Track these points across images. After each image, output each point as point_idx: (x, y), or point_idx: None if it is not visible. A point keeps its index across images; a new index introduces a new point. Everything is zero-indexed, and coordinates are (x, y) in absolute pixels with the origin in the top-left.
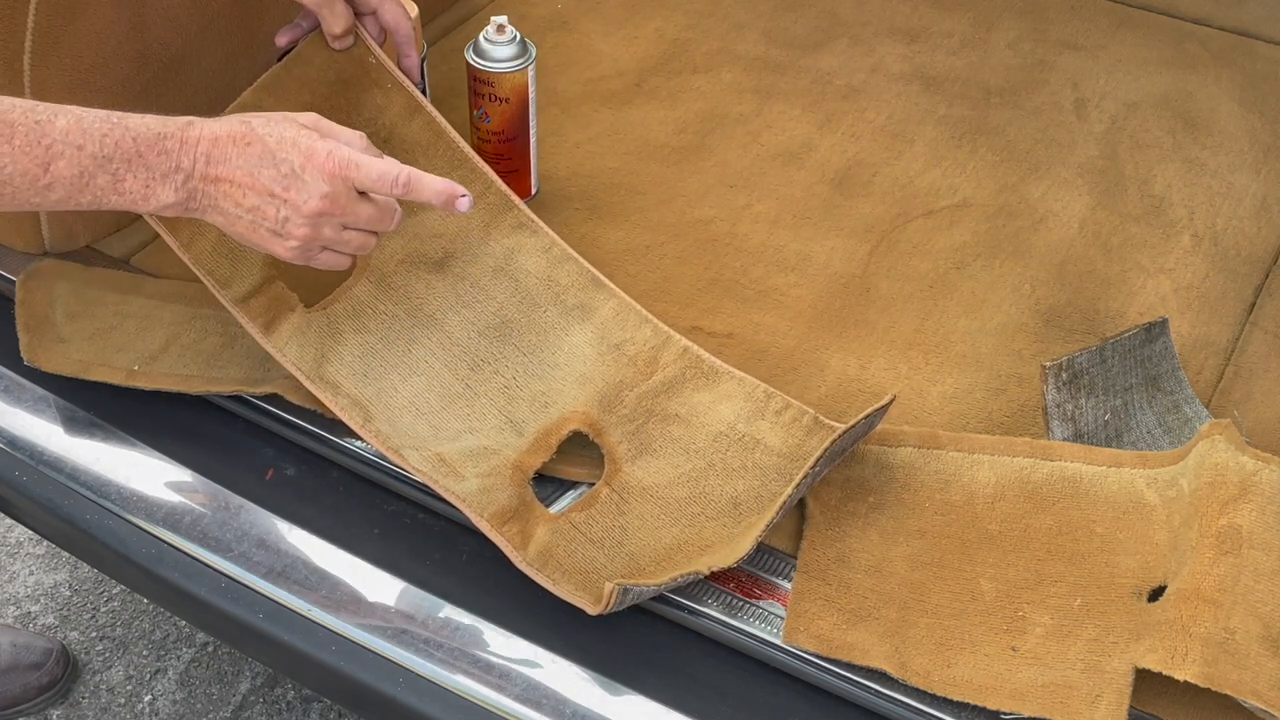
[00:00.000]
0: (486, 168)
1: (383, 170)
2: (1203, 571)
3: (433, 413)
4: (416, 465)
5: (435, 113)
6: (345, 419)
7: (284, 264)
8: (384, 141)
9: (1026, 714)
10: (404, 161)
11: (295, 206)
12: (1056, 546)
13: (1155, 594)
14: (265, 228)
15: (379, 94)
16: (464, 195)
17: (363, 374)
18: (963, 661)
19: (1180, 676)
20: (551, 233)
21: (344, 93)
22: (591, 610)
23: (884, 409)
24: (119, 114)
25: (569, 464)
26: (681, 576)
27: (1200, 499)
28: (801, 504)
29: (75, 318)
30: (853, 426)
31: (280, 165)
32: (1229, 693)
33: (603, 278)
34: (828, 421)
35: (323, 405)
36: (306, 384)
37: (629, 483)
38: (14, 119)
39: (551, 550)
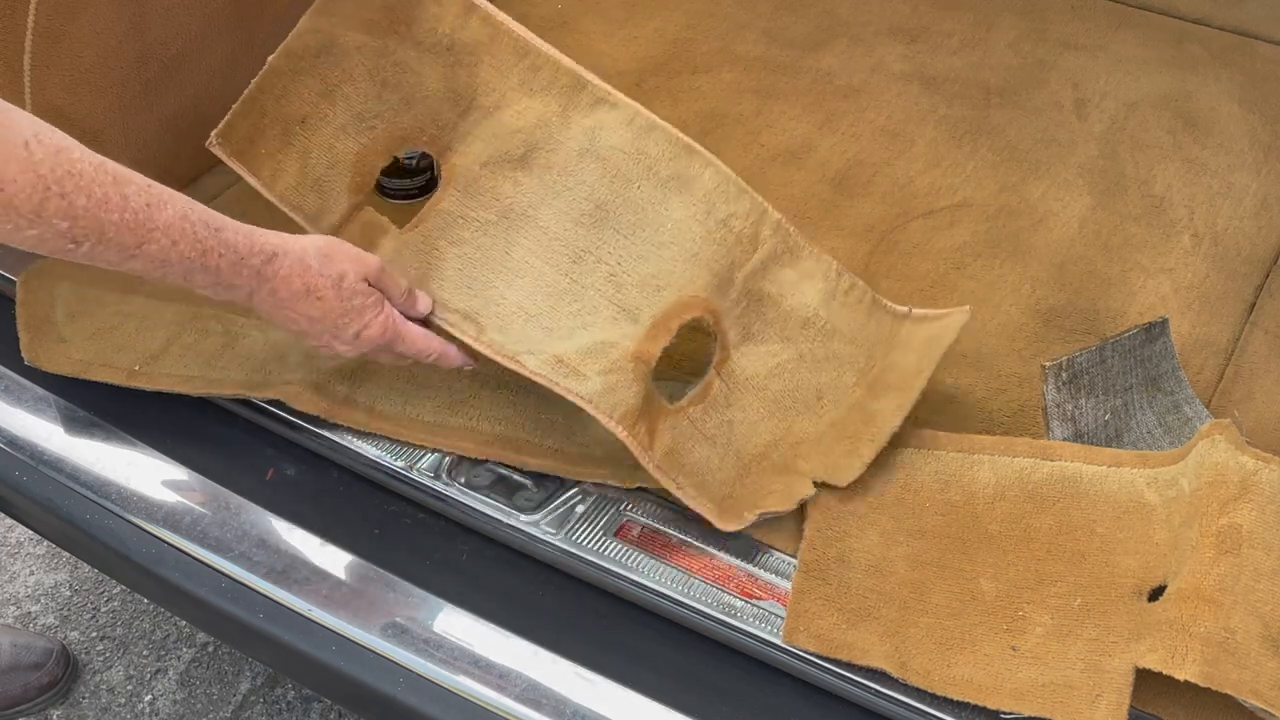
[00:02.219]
0: (553, 51)
1: (420, 348)
2: (1203, 571)
3: (542, 314)
4: (535, 369)
5: (490, 7)
6: (457, 334)
7: (369, 188)
8: (446, 50)
9: (1027, 713)
10: (471, 65)
11: (342, 347)
12: (1056, 546)
13: (1155, 594)
14: (308, 345)
15: (432, 4)
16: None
17: (466, 286)
18: (963, 661)
19: (1181, 676)
20: (632, 103)
21: (398, 9)
22: (719, 524)
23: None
24: (218, 221)
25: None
26: (799, 500)
27: (1201, 499)
28: (802, 505)
29: (76, 317)
30: (909, 313)
31: (338, 329)
32: (1229, 692)
33: (695, 144)
34: (884, 302)
35: (325, 410)
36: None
37: (735, 372)
38: (128, 193)
39: (674, 450)
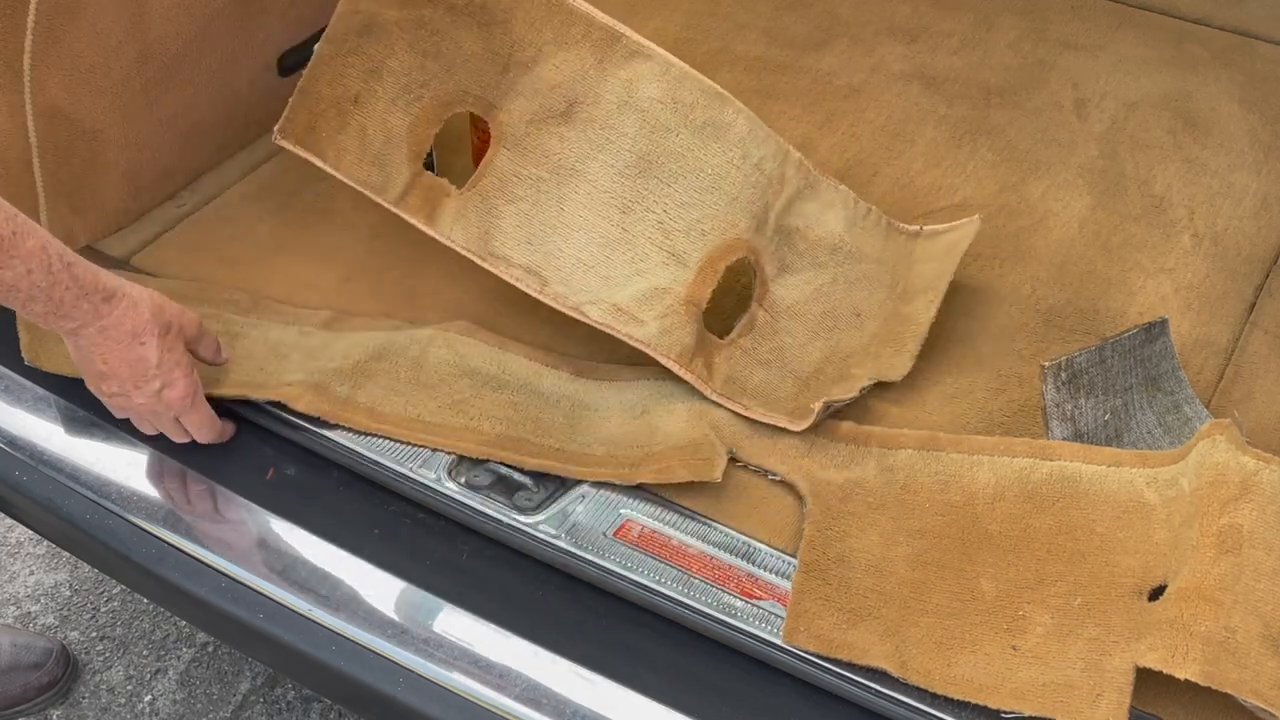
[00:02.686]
0: (585, 6)
1: (203, 431)
2: (1203, 570)
3: (599, 264)
4: (598, 318)
5: None
6: (523, 288)
7: (425, 156)
8: (480, 9)
9: (1027, 713)
10: (505, 22)
11: (139, 399)
12: (1056, 546)
13: (1156, 593)
14: (101, 387)
15: None
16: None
17: (526, 241)
18: (963, 660)
19: (1181, 675)
20: (663, 52)
21: None
22: (794, 427)
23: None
24: (70, 257)
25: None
26: (860, 389)
27: (1201, 498)
28: (801, 501)
29: None
30: (920, 230)
31: (145, 379)
32: (1230, 691)
33: (724, 91)
34: (898, 224)
35: (325, 411)
36: (480, 262)
37: (777, 302)
38: None
39: (732, 378)
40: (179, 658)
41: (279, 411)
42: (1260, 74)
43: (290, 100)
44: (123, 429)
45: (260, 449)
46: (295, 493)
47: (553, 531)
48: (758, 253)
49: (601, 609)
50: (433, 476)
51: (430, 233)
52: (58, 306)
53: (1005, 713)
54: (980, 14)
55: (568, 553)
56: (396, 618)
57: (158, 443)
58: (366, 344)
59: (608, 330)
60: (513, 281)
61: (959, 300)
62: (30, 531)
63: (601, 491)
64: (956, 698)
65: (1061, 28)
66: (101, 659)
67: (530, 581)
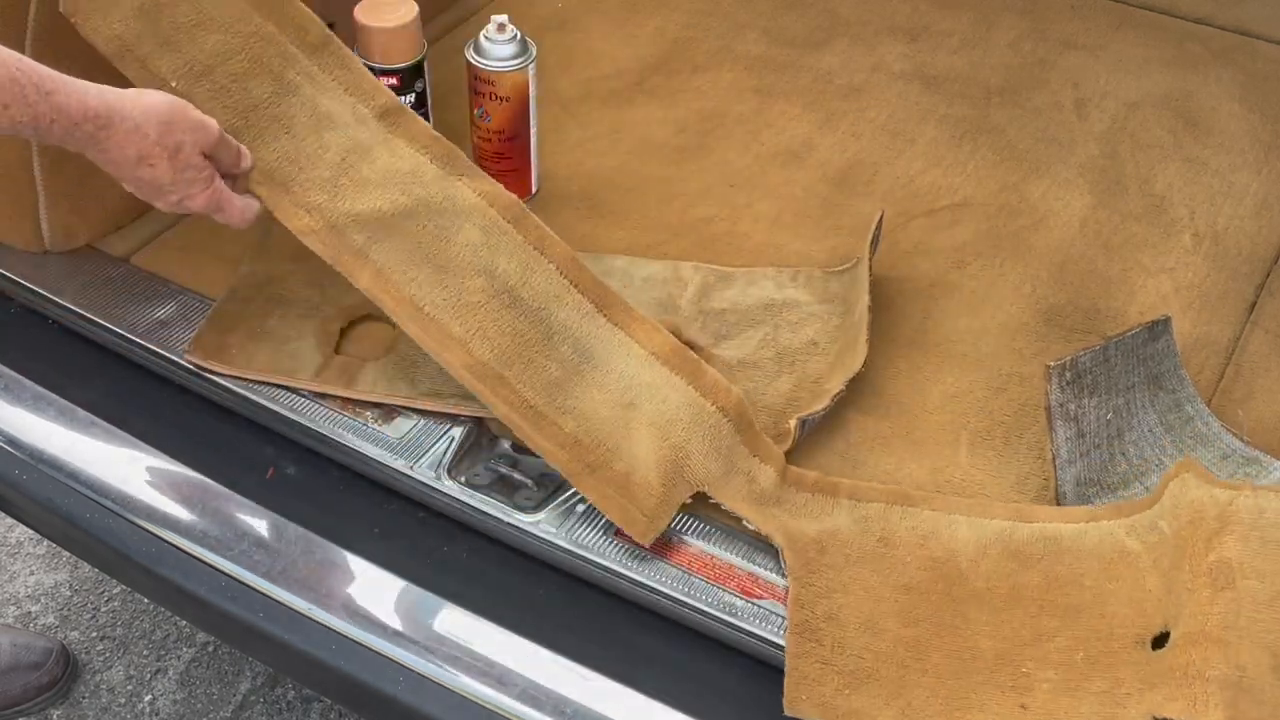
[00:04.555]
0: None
1: (236, 220)
2: (1204, 612)
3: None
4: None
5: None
6: (463, 412)
7: (332, 341)
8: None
9: None
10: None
11: (161, 204)
12: (1048, 602)
13: (1159, 640)
14: (128, 188)
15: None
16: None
17: (454, 378)
18: None
19: None
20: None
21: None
22: (779, 449)
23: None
24: (50, 83)
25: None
26: (832, 399)
27: (1184, 539)
28: (778, 554)
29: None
30: (874, 239)
31: (163, 193)
32: None
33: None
34: (835, 270)
35: (333, 257)
36: (411, 404)
37: (727, 361)
38: None
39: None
40: (179, 658)
41: (280, 410)
42: (1261, 73)
43: (200, 325)
44: (123, 429)
45: (260, 449)
46: (295, 493)
47: (553, 530)
48: (676, 329)
49: (601, 608)
50: (432, 475)
51: (350, 394)
52: (49, 137)
53: None
54: (980, 13)
55: (568, 552)
56: (396, 617)
57: (158, 443)
58: (403, 192)
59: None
60: (451, 410)
61: (959, 300)
62: (30, 531)
63: None
64: None
65: (1062, 27)
66: (101, 659)
67: (530, 580)
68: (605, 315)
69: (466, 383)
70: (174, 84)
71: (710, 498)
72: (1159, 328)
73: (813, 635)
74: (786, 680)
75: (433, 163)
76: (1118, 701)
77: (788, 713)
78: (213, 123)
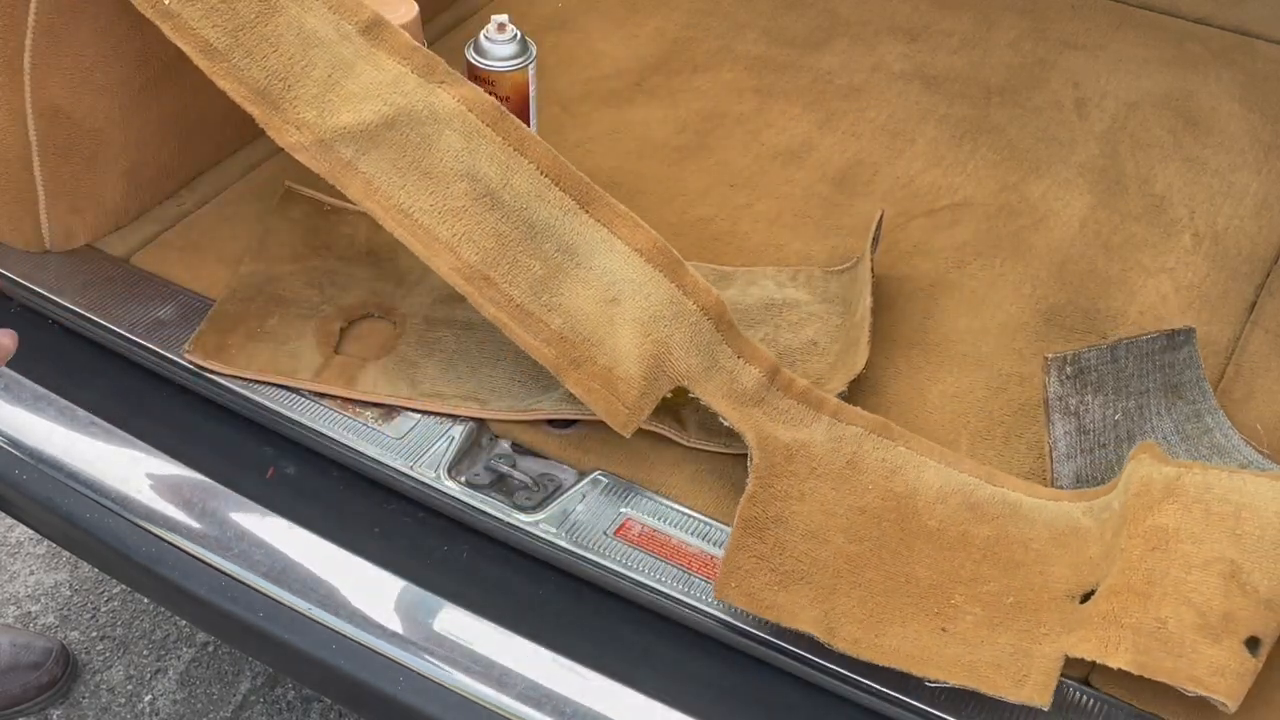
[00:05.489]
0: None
1: None
2: (1132, 568)
3: (538, 375)
4: (552, 409)
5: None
6: (464, 413)
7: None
8: (367, 253)
9: (952, 683)
10: (392, 259)
11: None
12: (993, 554)
13: (1087, 597)
14: None
15: (344, 226)
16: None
17: (456, 378)
18: (893, 634)
19: (1114, 664)
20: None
21: (318, 234)
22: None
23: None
24: None
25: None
26: (836, 397)
27: (1129, 508)
28: (748, 453)
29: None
30: (874, 239)
31: None
32: (1164, 680)
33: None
34: (835, 270)
35: (325, 170)
36: (410, 404)
37: None
38: None
39: (704, 424)
40: (179, 658)
41: (279, 410)
42: (1261, 73)
43: (200, 325)
44: (123, 429)
45: (260, 449)
46: (295, 493)
47: (553, 530)
48: None
49: (601, 607)
50: (432, 475)
51: (352, 394)
52: None
53: (930, 681)
54: (981, 13)
55: (568, 551)
56: (396, 617)
57: (158, 443)
58: (386, 103)
59: (566, 415)
60: (451, 410)
61: (959, 300)
62: (30, 531)
63: (601, 491)
64: (883, 665)
65: (1062, 27)
66: (101, 659)
67: (530, 580)
68: (588, 212)
69: (455, 285)
70: (167, 2)
71: (690, 392)
72: (1180, 337)
73: (757, 532)
74: (720, 569)
75: (413, 73)
76: (1035, 639)
77: (715, 598)
78: None
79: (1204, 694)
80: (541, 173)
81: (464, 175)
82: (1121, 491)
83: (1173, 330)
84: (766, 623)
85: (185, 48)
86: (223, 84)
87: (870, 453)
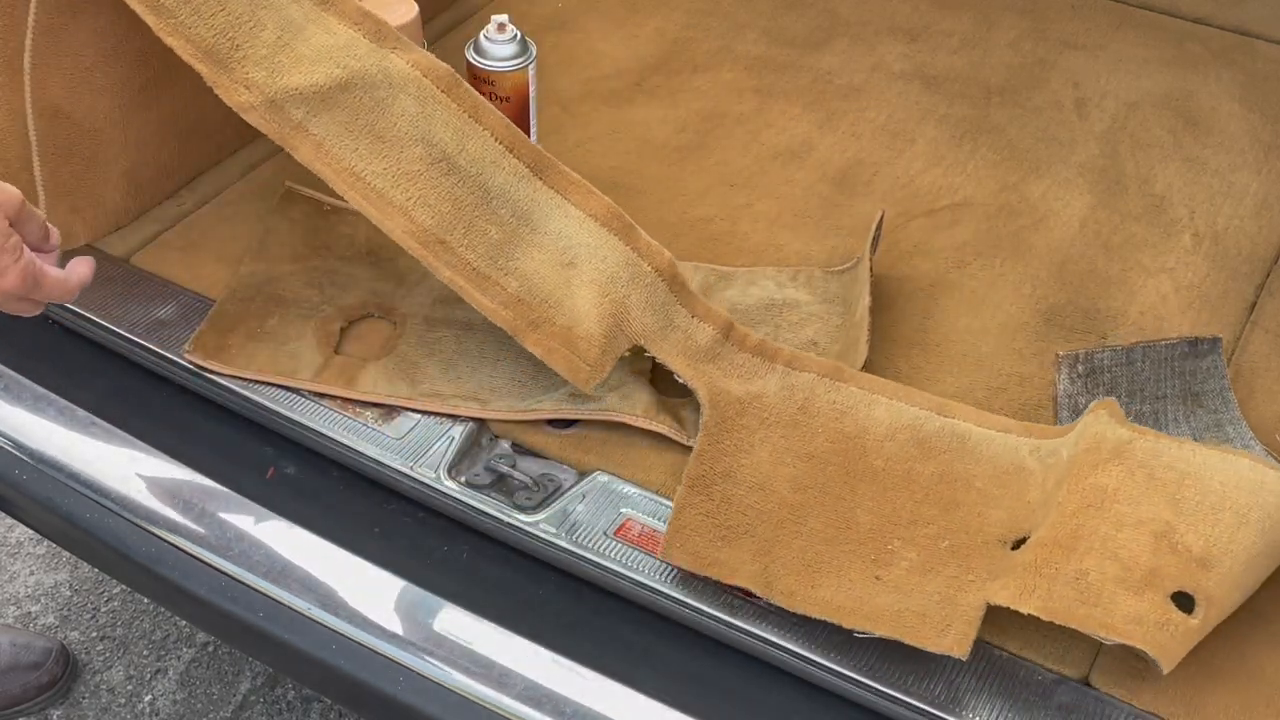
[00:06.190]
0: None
1: (59, 292)
2: (1063, 522)
3: (538, 375)
4: (552, 408)
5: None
6: (464, 413)
7: (332, 341)
8: (367, 254)
9: (878, 634)
10: (392, 259)
11: None
12: (935, 493)
13: (1019, 544)
14: None
15: (344, 226)
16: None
17: (456, 377)
18: (827, 584)
19: (1024, 610)
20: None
21: (318, 234)
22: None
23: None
24: None
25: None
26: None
27: (1075, 463)
28: (699, 409)
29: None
30: (874, 239)
31: None
32: (1075, 627)
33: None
34: (835, 270)
35: (274, 132)
36: (410, 404)
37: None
38: None
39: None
40: (179, 658)
41: (279, 410)
42: (1261, 73)
43: (200, 326)
44: (122, 429)
45: (260, 449)
46: (295, 493)
47: (553, 530)
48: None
49: (601, 607)
50: (432, 475)
51: (351, 394)
52: None
53: (858, 632)
54: (981, 13)
55: (568, 551)
56: (396, 617)
57: (157, 443)
58: (339, 65)
59: (566, 415)
60: (451, 410)
61: (959, 300)
62: (30, 531)
63: (601, 491)
64: (814, 617)
65: (1062, 27)
66: (101, 659)
67: (530, 580)
68: (541, 179)
69: (410, 249)
70: None
71: (646, 350)
72: (1204, 346)
73: (704, 489)
74: (668, 529)
75: (365, 37)
76: (961, 587)
77: (660, 558)
78: (13, 189)
79: (1120, 641)
80: (496, 140)
81: (419, 140)
82: (1073, 443)
83: (1196, 338)
84: (767, 622)
85: (133, 4)
86: (170, 41)
87: (821, 396)
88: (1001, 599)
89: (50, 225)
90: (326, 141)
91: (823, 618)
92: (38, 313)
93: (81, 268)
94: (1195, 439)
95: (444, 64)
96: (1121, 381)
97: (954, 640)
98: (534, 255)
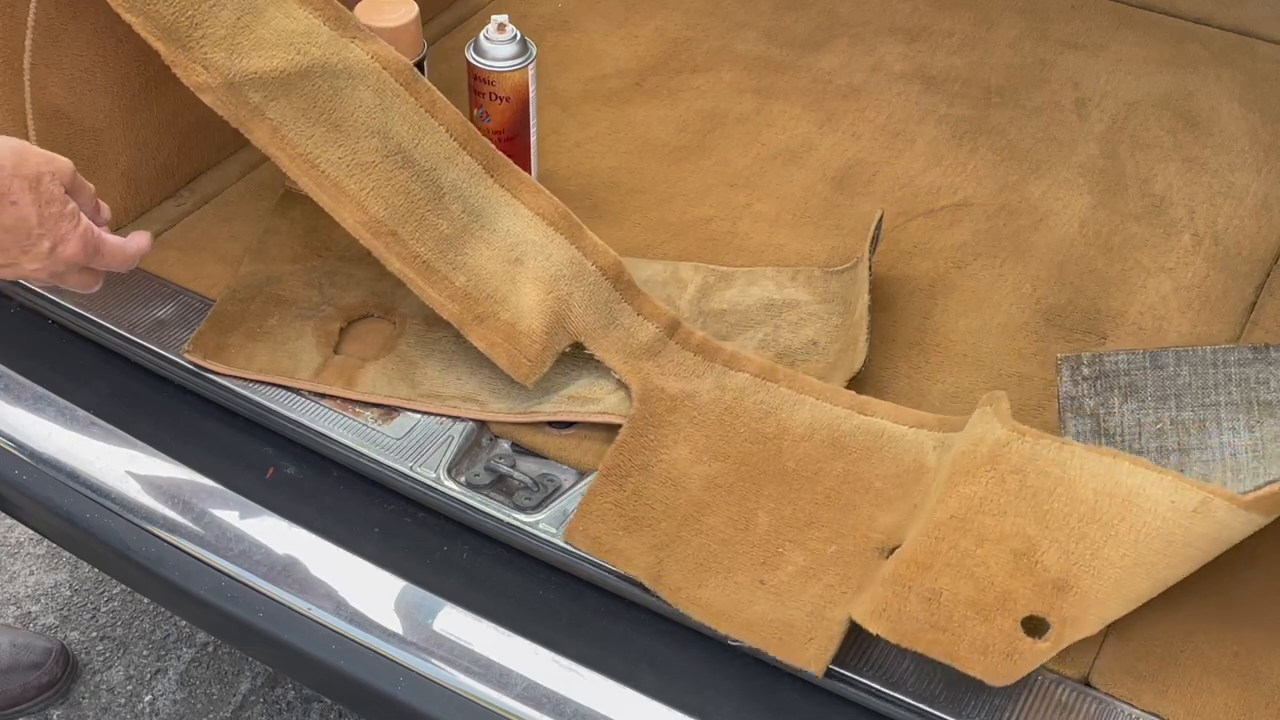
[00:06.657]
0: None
1: (120, 259)
2: (926, 533)
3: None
4: (552, 411)
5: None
6: (463, 415)
7: (332, 342)
8: (365, 254)
9: (749, 644)
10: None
11: (32, 266)
12: (836, 494)
13: (892, 552)
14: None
15: (342, 230)
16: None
17: (455, 378)
18: (713, 584)
19: (872, 630)
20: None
21: (318, 234)
22: None
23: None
24: None
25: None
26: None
27: (953, 466)
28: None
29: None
30: (873, 239)
31: (31, 242)
32: (922, 651)
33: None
34: (835, 270)
35: (230, 115)
36: (408, 404)
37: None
38: None
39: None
40: (179, 658)
41: (279, 410)
42: (1260, 73)
43: (200, 326)
44: (122, 429)
45: (260, 449)
46: (295, 493)
47: (553, 530)
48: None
49: (601, 607)
50: (432, 475)
51: (351, 394)
52: None
53: (731, 639)
54: (981, 13)
55: (568, 552)
56: (396, 617)
57: (157, 443)
58: (299, 51)
59: (565, 418)
60: (451, 411)
61: (959, 300)
62: (30, 531)
63: None
64: (695, 618)
65: (1062, 27)
66: (101, 659)
67: (530, 580)
68: (493, 177)
69: (361, 238)
70: None
71: (585, 347)
72: (1276, 353)
73: (617, 480)
74: (575, 512)
75: (326, 25)
76: (833, 599)
77: (563, 540)
78: (64, 159)
79: (963, 670)
80: (451, 137)
81: (376, 132)
82: (960, 440)
83: (1265, 345)
84: None
85: None
86: (129, 18)
87: (750, 396)
88: (859, 616)
89: (101, 203)
90: (283, 127)
91: (701, 620)
92: (97, 288)
93: (140, 238)
94: (1254, 449)
95: (403, 57)
96: (1145, 385)
97: (814, 654)
98: (482, 251)
